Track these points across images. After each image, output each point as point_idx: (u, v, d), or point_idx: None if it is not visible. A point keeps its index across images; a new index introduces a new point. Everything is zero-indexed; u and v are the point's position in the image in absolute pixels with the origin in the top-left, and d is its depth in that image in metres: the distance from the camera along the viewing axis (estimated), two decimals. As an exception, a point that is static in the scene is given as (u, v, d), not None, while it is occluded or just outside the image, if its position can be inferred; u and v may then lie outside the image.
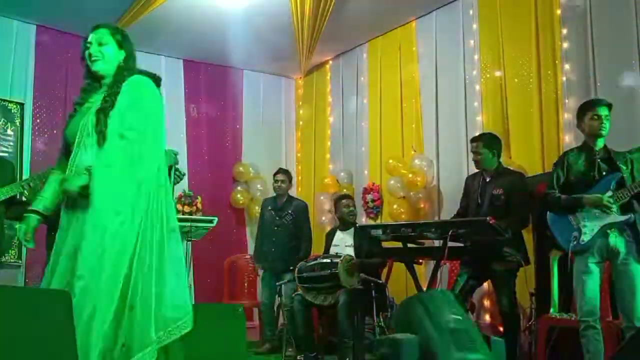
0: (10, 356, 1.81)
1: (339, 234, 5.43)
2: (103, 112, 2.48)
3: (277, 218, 5.80)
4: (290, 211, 5.79)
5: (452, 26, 5.81)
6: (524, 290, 4.38)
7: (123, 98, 2.53)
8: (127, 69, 2.63)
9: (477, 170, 4.56)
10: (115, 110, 2.49)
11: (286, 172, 5.98)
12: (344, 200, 5.44)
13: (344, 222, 5.41)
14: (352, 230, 5.32)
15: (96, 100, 2.57)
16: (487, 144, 4.43)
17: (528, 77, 5.07)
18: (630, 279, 3.38)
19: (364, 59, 6.87)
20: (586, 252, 3.49)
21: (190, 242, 5.19)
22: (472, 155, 4.54)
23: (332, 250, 5.30)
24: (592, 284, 3.48)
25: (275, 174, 5.97)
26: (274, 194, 5.98)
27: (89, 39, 2.62)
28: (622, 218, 3.42)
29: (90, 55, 2.60)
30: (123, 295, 2.27)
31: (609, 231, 3.45)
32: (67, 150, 2.59)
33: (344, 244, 5.30)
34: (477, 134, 5.39)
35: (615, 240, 3.45)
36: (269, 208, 5.92)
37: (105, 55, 2.61)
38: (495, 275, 4.21)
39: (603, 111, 3.59)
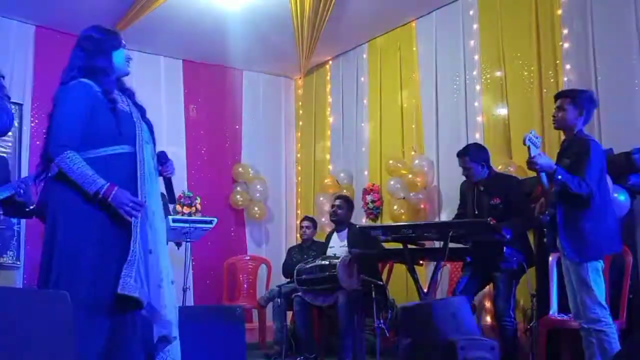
0: (10, 357, 1.80)
1: (334, 236, 5.46)
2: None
3: (303, 258, 5.81)
4: (314, 249, 5.83)
5: (452, 26, 5.79)
6: (525, 292, 4.37)
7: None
8: None
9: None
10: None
11: (312, 220, 6.19)
12: (335, 201, 5.49)
13: (335, 223, 5.48)
14: (345, 230, 5.34)
15: (126, 103, 2.73)
16: (474, 157, 4.39)
17: (529, 77, 5.06)
18: (573, 279, 3.29)
19: (363, 59, 6.85)
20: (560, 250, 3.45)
21: (189, 243, 5.18)
22: (462, 170, 4.50)
23: (329, 252, 5.32)
24: (567, 283, 3.42)
25: (301, 221, 6.22)
26: (299, 242, 6.12)
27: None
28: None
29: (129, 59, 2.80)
30: None
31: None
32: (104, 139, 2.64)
33: (337, 244, 5.34)
34: (477, 134, 5.40)
35: (558, 239, 3.34)
36: (294, 252, 6.04)
37: None
38: (494, 276, 4.20)
39: (556, 102, 3.48)
